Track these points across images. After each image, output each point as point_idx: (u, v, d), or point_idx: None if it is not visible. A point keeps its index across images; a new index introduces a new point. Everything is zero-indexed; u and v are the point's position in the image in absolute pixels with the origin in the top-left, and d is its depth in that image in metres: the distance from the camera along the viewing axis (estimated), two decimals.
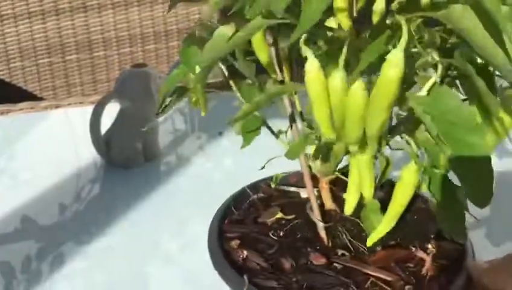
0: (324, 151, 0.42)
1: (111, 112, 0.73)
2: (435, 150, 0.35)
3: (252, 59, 0.42)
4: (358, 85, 0.30)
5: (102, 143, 0.73)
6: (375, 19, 0.31)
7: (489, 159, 0.31)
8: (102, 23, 1.54)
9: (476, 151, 0.30)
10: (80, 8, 1.51)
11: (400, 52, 0.28)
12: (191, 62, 0.41)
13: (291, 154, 0.42)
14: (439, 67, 0.32)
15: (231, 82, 0.44)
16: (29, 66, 1.51)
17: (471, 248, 0.44)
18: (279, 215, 0.48)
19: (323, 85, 0.32)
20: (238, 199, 0.49)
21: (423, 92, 0.32)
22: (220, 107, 0.70)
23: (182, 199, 0.70)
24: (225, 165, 0.77)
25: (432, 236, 0.46)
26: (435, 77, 0.32)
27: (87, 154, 0.76)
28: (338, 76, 0.31)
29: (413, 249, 0.44)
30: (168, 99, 0.44)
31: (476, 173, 0.30)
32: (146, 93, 0.71)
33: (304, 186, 0.48)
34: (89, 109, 0.73)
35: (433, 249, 0.44)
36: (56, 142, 0.83)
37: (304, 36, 0.32)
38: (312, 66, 0.32)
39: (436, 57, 0.32)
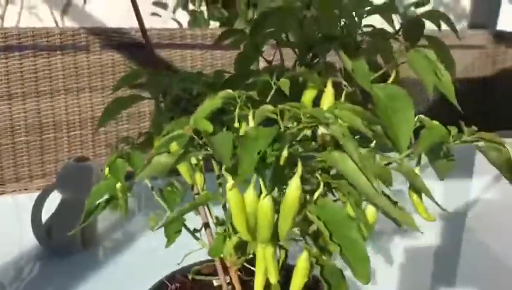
0: (239, 247, 0.51)
1: (54, 199, 0.79)
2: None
3: None
4: (265, 202, 0.40)
5: (43, 232, 0.78)
6: (282, 162, 0.40)
7: (365, 247, 0.40)
8: (54, 108, 1.62)
9: (357, 243, 0.39)
10: (32, 93, 1.59)
11: (297, 180, 0.39)
12: (119, 173, 0.50)
13: (213, 254, 0.50)
14: (321, 184, 0.42)
15: (153, 192, 0.53)
16: None
17: None
18: None
19: (240, 201, 0.41)
20: None
21: (312, 202, 0.41)
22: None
23: (126, 278, 0.75)
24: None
25: None
26: (319, 191, 0.42)
27: (30, 240, 0.80)
28: (250, 194, 0.41)
29: None
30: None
31: (357, 258, 0.40)
32: (87, 185, 0.78)
33: (215, 275, 0.56)
34: (34, 195, 0.79)
35: None
36: None
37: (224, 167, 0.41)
38: (232, 187, 0.41)
39: (320, 177, 0.42)
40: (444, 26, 0.50)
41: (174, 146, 0.44)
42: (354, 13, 0.47)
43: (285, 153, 0.36)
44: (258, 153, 0.33)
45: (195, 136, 0.38)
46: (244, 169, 0.33)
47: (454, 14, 3.02)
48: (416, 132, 0.42)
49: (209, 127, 0.37)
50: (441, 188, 1.14)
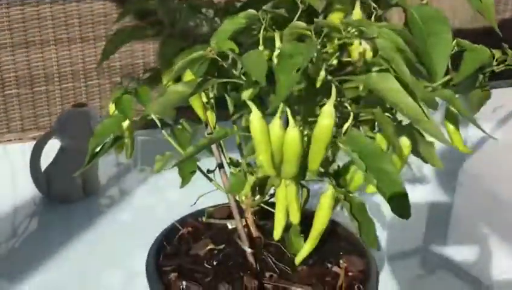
0: (258, 186, 0.48)
1: (51, 148, 0.76)
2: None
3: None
4: (294, 132, 0.36)
5: (42, 179, 0.75)
6: (318, 84, 0.36)
7: (401, 180, 0.37)
8: (44, 59, 1.56)
9: (393, 176, 0.37)
10: (21, 44, 1.52)
11: (331, 106, 0.35)
12: (126, 109, 0.46)
13: (233, 190, 0.47)
14: (351, 115, 0.39)
15: (163, 131, 0.49)
16: None
17: (374, 260, 0.52)
18: (211, 246, 0.53)
19: (266, 132, 0.37)
20: (169, 235, 0.54)
21: (341, 134, 0.38)
22: (163, 141, 0.74)
23: (124, 232, 0.73)
24: (168, 198, 0.80)
25: (341, 253, 0.52)
26: (349, 122, 0.39)
27: (26, 190, 0.77)
28: (277, 124, 0.37)
29: (329, 265, 0.51)
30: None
31: (394, 192, 0.37)
32: (86, 131, 0.75)
33: (228, 219, 0.53)
34: (29, 145, 0.76)
35: (345, 264, 0.51)
36: None
37: (250, 94, 0.38)
38: (256, 116, 0.37)
39: (349, 107, 0.39)
40: None
41: (188, 75, 0.40)
42: None
43: (322, 73, 0.33)
44: (297, 71, 0.30)
45: (219, 58, 0.34)
46: (283, 89, 0.30)
47: None
48: (453, 59, 0.39)
49: (235, 47, 0.33)
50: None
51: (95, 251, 0.70)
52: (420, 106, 0.32)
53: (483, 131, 0.37)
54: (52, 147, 0.76)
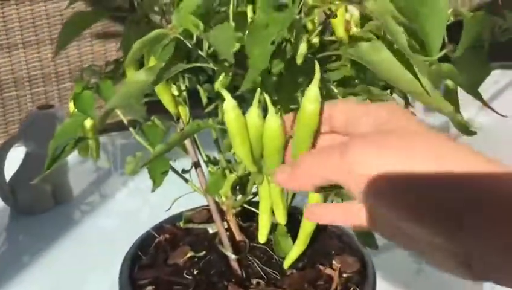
0: (239, 184, 0.43)
1: (18, 155, 0.71)
2: None
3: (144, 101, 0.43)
4: (274, 121, 0.32)
5: (7, 189, 0.70)
6: (299, 60, 0.32)
7: None
8: (13, 63, 1.49)
9: None
10: None
11: (315, 86, 0.30)
12: (87, 107, 0.41)
13: (211, 190, 0.43)
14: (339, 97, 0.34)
15: (130, 129, 0.45)
16: None
17: (370, 258, 0.47)
18: (190, 253, 0.48)
19: (242, 122, 0.33)
20: (144, 243, 0.49)
21: None
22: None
23: (102, 240, 0.68)
24: (151, 201, 0.76)
25: (333, 252, 0.48)
26: None
27: None
28: (254, 112, 0.33)
29: (321, 267, 0.47)
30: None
31: None
32: (53, 134, 0.69)
33: (208, 222, 0.49)
34: None
35: (338, 265, 0.47)
36: None
37: (221, 80, 0.33)
38: (230, 105, 0.33)
39: (336, 90, 0.35)
40: None
41: (152, 61, 0.36)
42: None
43: (303, 47, 0.28)
44: (272, 43, 0.25)
45: (182, 38, 0.29)
46: (257, 63, 0.25)
47: None
48: (449, 30, 0.35)
49: (199, 22, 0.28)
50: None
51: (72, 261, 0.65)
52: (418, 78, 0.28)
53: (491, 108, 0.33)
54: (21, 154, 0.71)
